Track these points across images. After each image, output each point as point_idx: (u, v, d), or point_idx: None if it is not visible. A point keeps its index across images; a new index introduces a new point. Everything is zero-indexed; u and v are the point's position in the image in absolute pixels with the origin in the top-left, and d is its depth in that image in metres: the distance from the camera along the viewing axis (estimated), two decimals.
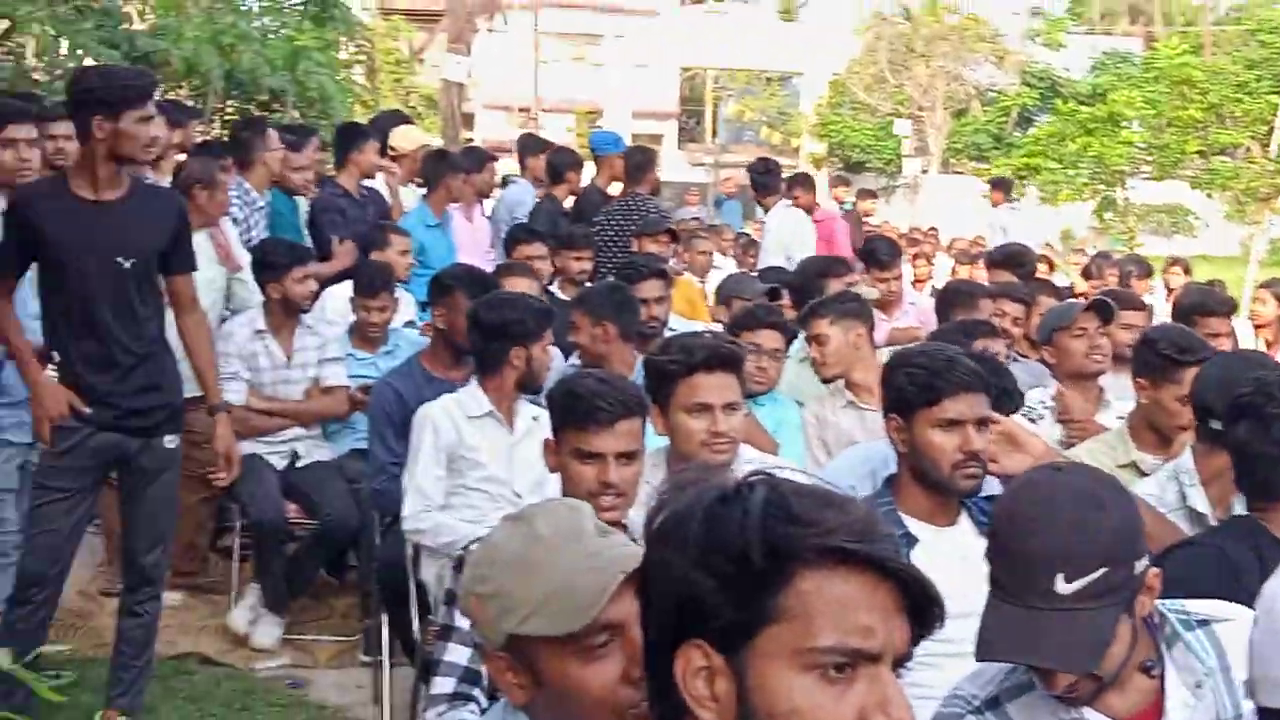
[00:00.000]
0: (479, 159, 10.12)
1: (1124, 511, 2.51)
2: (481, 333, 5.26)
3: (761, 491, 1.59)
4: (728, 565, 1.55)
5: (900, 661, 1.58)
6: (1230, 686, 2.65)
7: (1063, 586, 2.41)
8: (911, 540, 3.68)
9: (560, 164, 10.57)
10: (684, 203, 20.10)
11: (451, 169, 8.92)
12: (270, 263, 6.75)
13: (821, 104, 37.73)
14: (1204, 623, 2.71)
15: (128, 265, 5.01)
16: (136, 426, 5.11)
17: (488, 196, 10.38)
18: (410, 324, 7.47)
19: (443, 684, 3.43)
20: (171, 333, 5.32)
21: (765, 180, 10.71)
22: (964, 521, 3.80)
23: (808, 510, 1.57)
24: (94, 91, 4.99)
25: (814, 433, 5.69)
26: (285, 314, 6.74)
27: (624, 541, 2.27)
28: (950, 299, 6.82)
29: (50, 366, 5.05)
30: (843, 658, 1.53)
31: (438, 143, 18.12)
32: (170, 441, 5.21)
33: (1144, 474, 4.71)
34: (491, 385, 5.26)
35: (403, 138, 9.78)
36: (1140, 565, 2.49)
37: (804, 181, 12.31)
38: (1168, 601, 2.77)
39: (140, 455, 5.14)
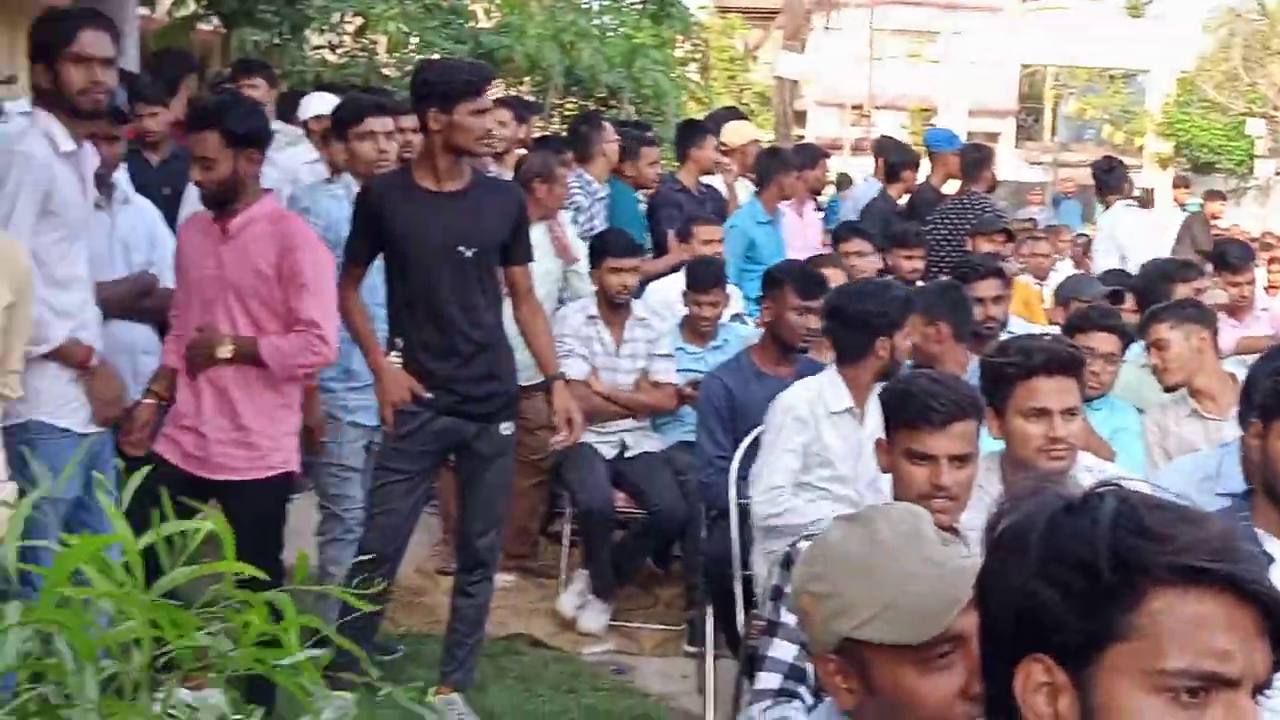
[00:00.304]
0: (812, 156, 10.11)
1: None
2: (844, 323, 5.22)
3: (1111, 503, 1.53)
4: (1074, 577, 1.50)
5: (1260, 689, 1.50)
6: None
7: None
8: (1268, 559, 3.50)
9: (896, 162, 10.46)
10: (1025, 202, 19.64)
11: (784, 166, 8.92)
12: (593, 249, 6.90)
13: (1168, 102, 36.41)
14: None
15: (469, 255, 5.14)
16: (475, 413, 5.25)
17: (819, 194, 10.35)
18: (738, 318, 7.49)
19: (768, 679, 3.42)
20: (509, 323, 5.45)
21: (1108, 179, 10.37)
22: None
23: (1161, 524, 1.50)
24: (430, 84, 5.15)
25: (1155, 441, 5.49)
26: (609, 305, 6.84)
27: (963, 552, 2.21)
28: None
29: (394, 354, 5.23)
30: (1196, 682, 1.46)
31: (767, 138, 18.18)
32: (506, 428, 5.33)
33: None
34: (851, 376, 5.21)
35: (733, 133, 9.84)
36: None
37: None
38: None
39: (478, 441, 5.28)
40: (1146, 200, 10.95)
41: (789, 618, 3.48)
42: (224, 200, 4.79)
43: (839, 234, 8.19)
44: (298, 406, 5.01)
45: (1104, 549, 1.49)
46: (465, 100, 5.06)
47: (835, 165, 16.03)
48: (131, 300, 5.16)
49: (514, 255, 5.36)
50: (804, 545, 3.60)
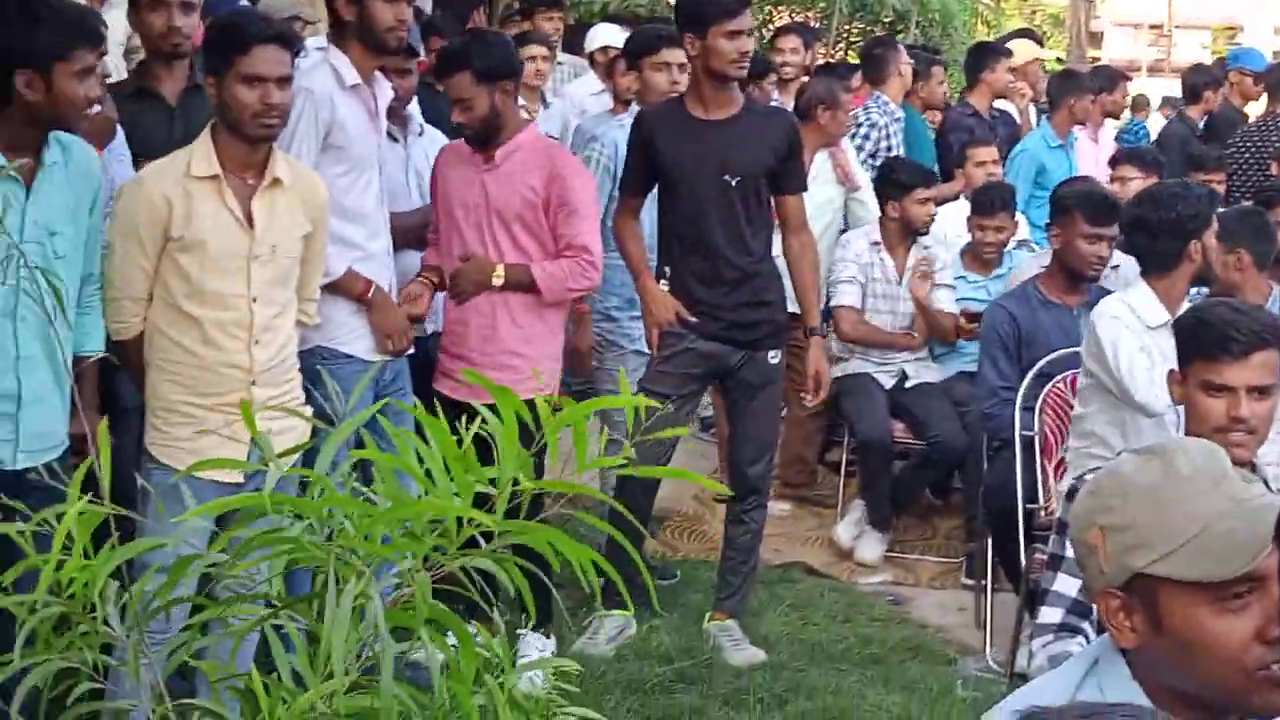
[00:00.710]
0: (1109, 78, 9.73)
1: None
2: (1150, 233, 5.02)
3: None
4: None
5: None
6: None
7: None
8: None
9: (1196, 83, 10.01)
10: None
11: (1076, 88, 8.65)
12: (896, 180, 6.78)
13: None
14: None
15: (734, 183, 5.13)
16: (740, 339, 5.25)
17: (1116, 118, 9.98)
18: (1024, 245, 7.30)
19: (1050, 614, 3.37)
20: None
21: None
22: None
23: None
24: (686, 9, 5.17)
25: None
26: (901, 234, 6.75)
27: (1264, 491, 2.10)
28: None
29: (662, 282, 5.25)
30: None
31: (1058, 60, 17.65)
32: (773, 356, 5.32)
33: None
34: (1164, 288, 4.93)
35: (1015, 50, 9.58)
36: None
37: None
38: None
39: (743, 368, 5.28)
40: None
41: (1073, 551, 3.39)
42: (488, 137, 4.88)
43: (1114, 160, 7.88)
44: (560, 331, 5.08)
45: None
46: (718, 22, 5.02)
47: (1133, 88, 15.48)
48: (421, 230, 5.28)
49: (785, 184, 5.31)
50: (1100, 476, 3.52)
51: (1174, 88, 18.11)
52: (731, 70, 5.14)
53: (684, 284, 5.23)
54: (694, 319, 5.18)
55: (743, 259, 5.21)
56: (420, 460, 1.91)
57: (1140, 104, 17.86)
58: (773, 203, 5.32)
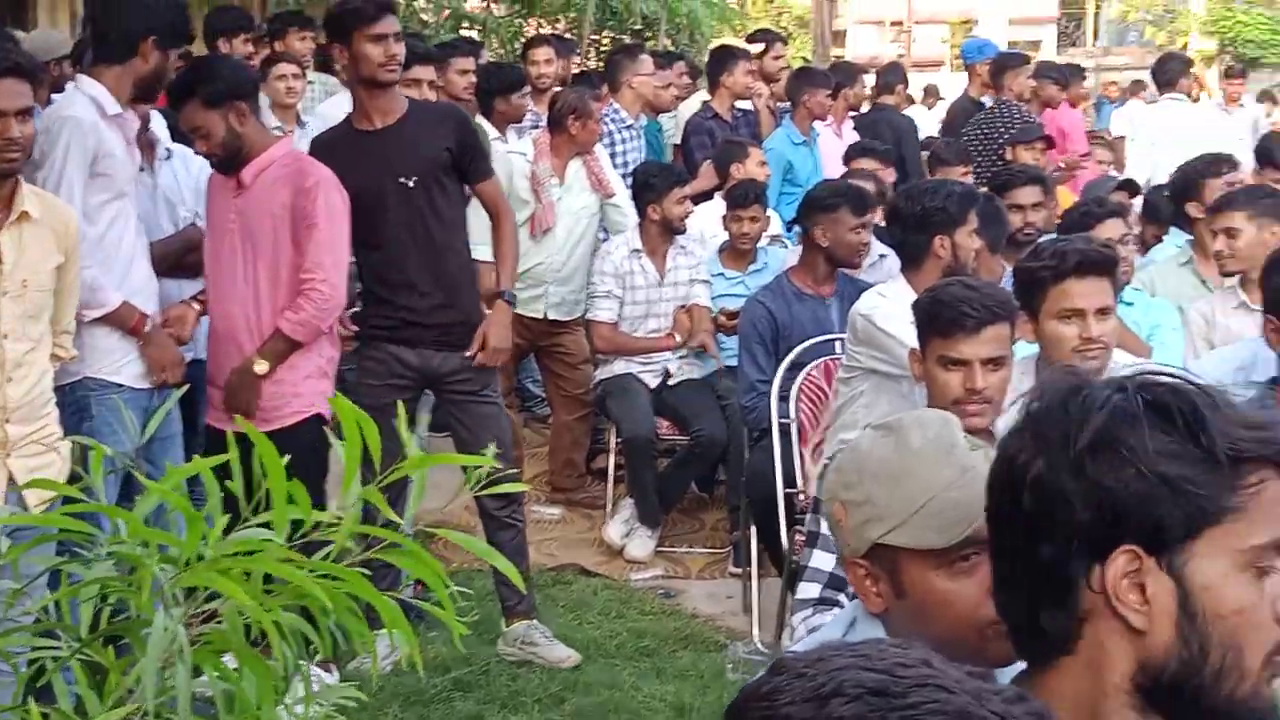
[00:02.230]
0: (848, 74, 10.01)
1: None
2: (903, 225, 5.15)
3: (1202, 394, 1.56)
4: (1182, 467, 1.51)
5: None
6: None
7: None
8: None
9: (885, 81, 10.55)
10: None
11: (811, 85, 8.85)
12: (650, 184, 6.88)
13: None
14: None
15: (412, 184, 5.12)
16: (438, 341, 5.23)
17: (858, 110, 10.26)
18: (776, 240, 7.48)
19: (808, 589, 3.46)
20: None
21: (1158, 74, 10.22)
22: None
23: (1251, 414, 1.57)
24: (330, 20, 5.22)
25: (1199, 333, 5.44)
26: (662, 235, 6.86)
27: (993, 455, 2.22)
28: None
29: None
30: (1273, 555, 1.53)
31: (803, 59, 18.00)
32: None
33: None
34: (916, 281, 5.02)
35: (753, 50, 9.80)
36: None
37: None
38: None
39: (458, 374, 5.25)
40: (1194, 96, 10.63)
41: (828, 529, 3.51)
42: (233, 160, 4.82)
43: (848, 154, 8.10)
44: (320, 346, 4.98)
45: (1218, 436, 1.51)
46: (360, 28, 5.02)
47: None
48: (177, 258, 5.18)
49: (471, 173, 5.33)
50: (842, 454, 3.64)
51: (918, 80, 18.73)
52: (382, 74, 5.10)
53: (379, 292, 5.23)
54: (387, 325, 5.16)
55: (435, 261, 5.20)
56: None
57: (931, 92, 18.42)
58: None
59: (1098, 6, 42.04)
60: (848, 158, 7.94)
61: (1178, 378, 1.59)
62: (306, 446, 4.76)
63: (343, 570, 1.83)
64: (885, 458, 2.22)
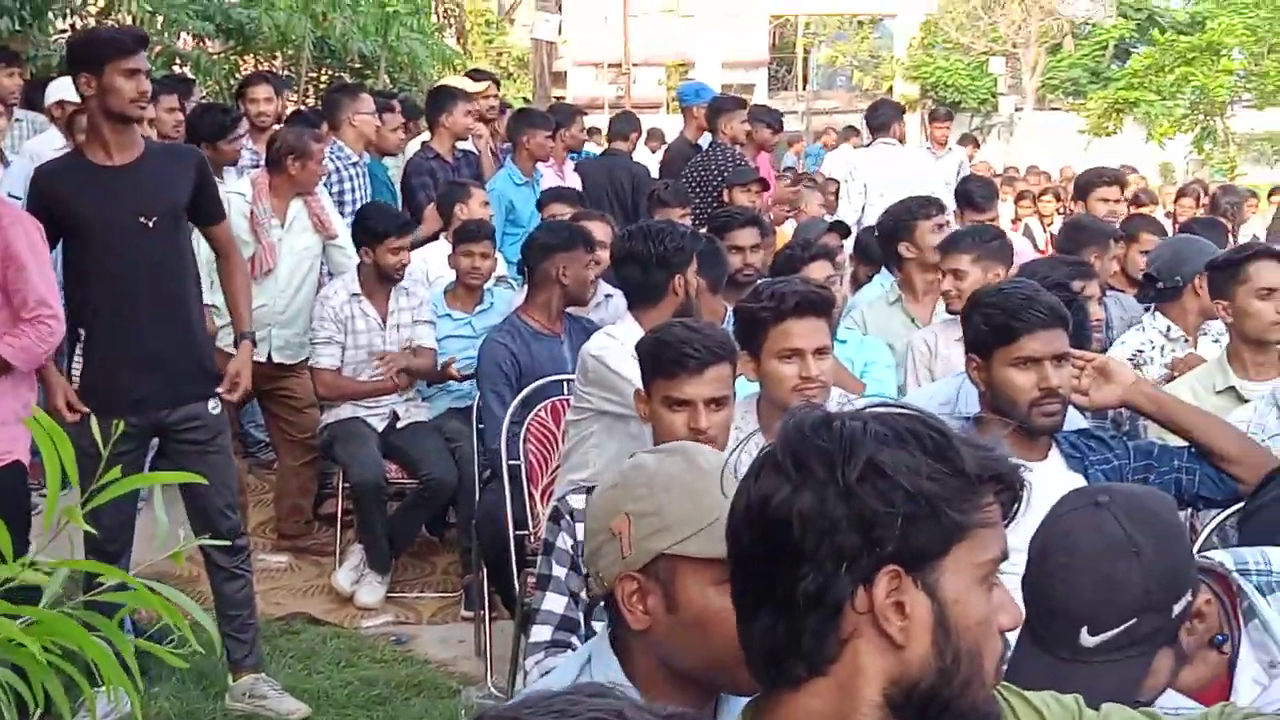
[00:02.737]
0: (566, 114, 10.13)
1: (1163, 552, 2.33)
2: (641, 265, 5.20)
3: (924, 418, 1.66)
4: (942, 487, 1.59)
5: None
6: None
7: (1088, 640, 2.29)
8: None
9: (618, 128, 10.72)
10: (786, 148, 19.94)
11: (531, 126, 8.93)
12: (370, 228, 6.80)
13: (913, 45, 37.32)
14: None
15: (151, 224, 5.02)
16: (173, 392, 5.11)
17: (578, 151, 10.39)
18: (503, 280, 7.50)
19: (540, 632, 3.48)
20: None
21: (873, 116, 10.61)
22: (1054, 457, 3.80)
23: (972, 439, 1.66)
24: (80, 49, 5.06)
25: (923, 362, 5.65)
26: (379, 279, 6.79)
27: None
28: (1078, 236, 6.72)
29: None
30: (996, 568, 1.66)
31: (523, 101, 18.09)
32: (214, 406, 5.20)
33: (1244, 400, 4.67)
34: (650, 319, 5.06)
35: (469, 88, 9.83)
36: (1180, 605, 2.34)
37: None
38: (1254, 555, 2.74)
39: (186, 426, 5.14)
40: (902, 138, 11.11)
41: (559, 570, 3.54)
42: None
43: (540, 201, 8.17)
44: (21, 387, 4.82)
45: (969, 458, 1.61)
46: (116, 60, 4.90)
47: (599, 122, 16.14)
48: None
49: (203, 215, 5.28)
50: (573, 499, 3.67)
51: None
52: (132, 110, 5.00)
53: (103, 337, 5.06)
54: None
55: (169, 304, 5.10)
56: None
57: (655, 135, 18.63)
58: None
59: (806, 51, 43.32)
60: (541, 204, 8.00)
61: (908, 408, 1.68)
62: (6, 491, 4.65)
63: (54, 617, 1.77)
64: (677, 473, 2.27)
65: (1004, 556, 1.66)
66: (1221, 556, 2.75)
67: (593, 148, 12.37)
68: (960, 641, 1.62)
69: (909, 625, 1.60)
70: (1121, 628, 2.27)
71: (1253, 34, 22.00)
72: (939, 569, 1.61)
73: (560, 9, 32.67)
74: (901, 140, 10.65)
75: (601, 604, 2.33)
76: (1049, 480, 3.60)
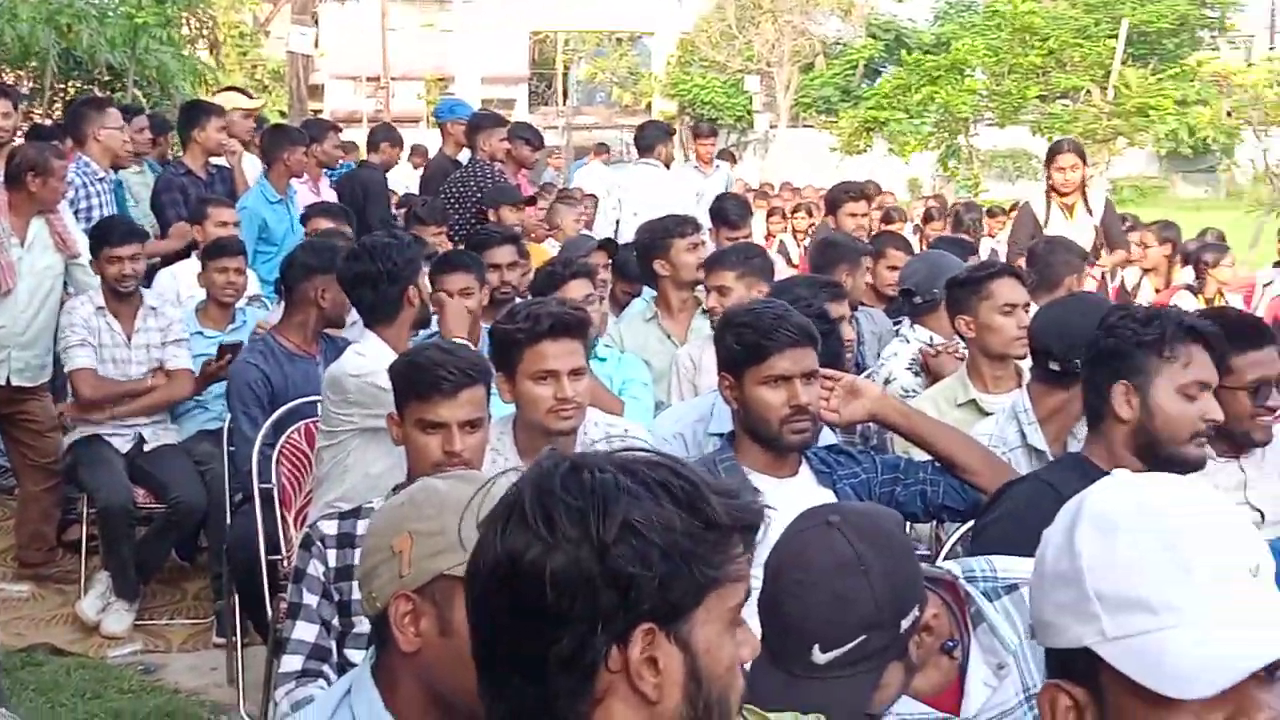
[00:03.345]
0: (320, 129, 9.99)
1: (891, 570, 2.39)
2: (372, 283, 5.12)
3: (673, 467, 1.65)
4: (693, 541, 1.59)
5: None
6: (1038, 653, 2.71)
7: (819, 656, 2.34)
8: (754, 493, 3.72)
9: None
10: (546, 165, 20.00)
11: (288, 143, 8.79)
12: (92, 239, 6.63)
13: (671, 62, 37.80)
14: (1012, 587, 2.76)
15: None
16: None
17: (333, 168, 10.26)
18: (256, 300, 7.37)
19: (291, 661, 3.44)
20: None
21: (640, 140, 10.70)
22: (805, 472, 3.88)
23: (719, 484, 1.66)
24: None
25: (686, 377, 5.72)
26: (114, 294, 6.58)
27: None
28: (829, 253, 6.88)
29: None
30: (741, 610, 1.65)
31: (280, 115, 17.79)
32: None
33: (985, 412, 4.83)
34: (391, 334, 5.08)
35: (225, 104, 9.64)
36: (908, 620, 2.40)
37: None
38: (980, 564, 2.83)
39: None
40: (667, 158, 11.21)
41: (310, 598, 3.49)
42: None
43: (305, 215, 8.07)
44: None
45: (720, 509, 1.61)
46: None
47: (357, 137, 15.93)
48: None
49: None
50: (324, 524, 3.62)
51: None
52: None
53: None
54: None
55: None
56: None
57: (418, 151, 18.45)
58: None
59: (566, 67, 43.54)
60: (305, 219, 7.90)
61: (655, 455, 1.68)
62: None
63: None
64: (464, 496, 2.25)
65: (749, 596, 1.67)
66: (950, 565, 2.85)
67: (351, 163, 12.24)
68: (711, 689, 1.62)
69: (662, 681, 1.59)
70: (851, 644, 2.31)
71: (994, 55, 22.79)
72: (691, 621, 1.60)
73: (316, 21, 32.19)
74: (667, 163, 10.76)
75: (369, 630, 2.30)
76: (799, 496, 3.68)
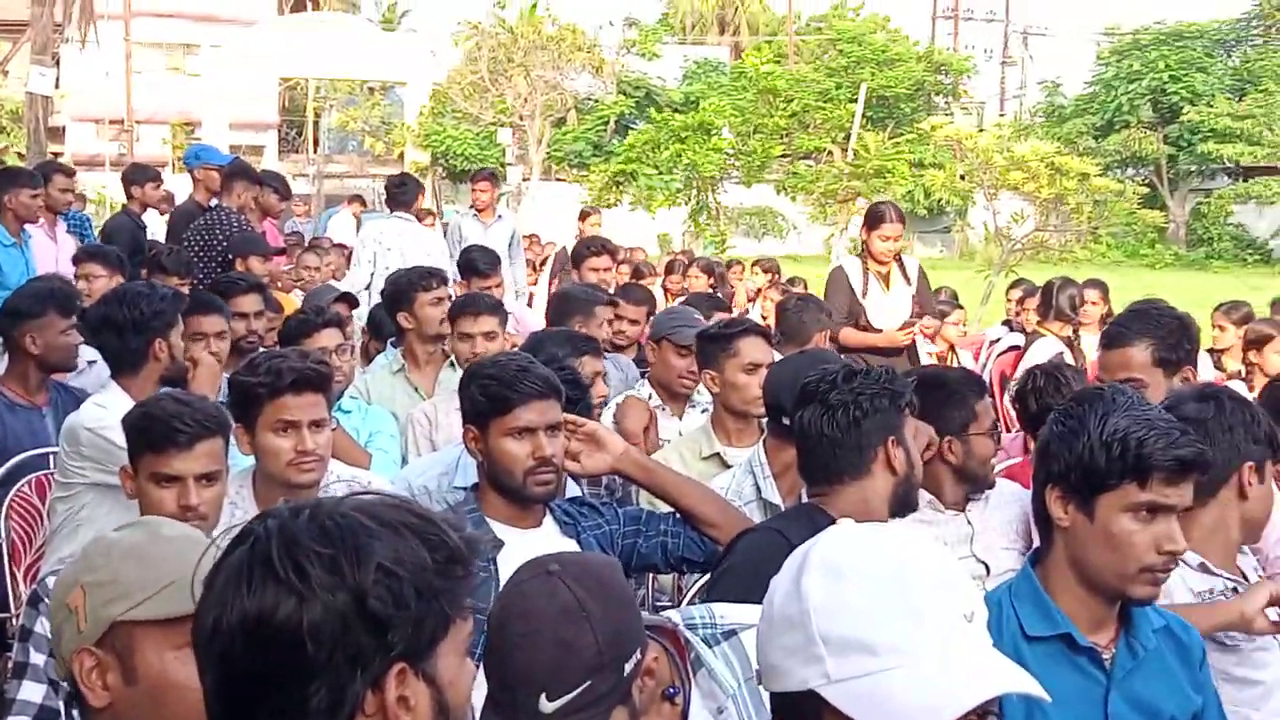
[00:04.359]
0: (45, 173, 9.64)
1: (612, 615, 2.42)
2: (117, 330, 5.01)
3: (407, 506, 1.69)
4: (436, 577, 1.61)
5: None
6: (756, 697, 2.78)
7: (546, 705, 2.35)
8: (498, 544, 3.75)
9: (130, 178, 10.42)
10: (292, 213, 19.76)
11: (16, 186, 8.49)
12: None
13: (424, 113, 37.72)
14: (730, 634, 2.85)
15: None
16: None
17: (63, 211, 9.92)
18: None
19: None
20: None
21: (399, 193, 10.65)
22: (549, 524, 3.91)
23: (452, 518, 1.73)
24: None
25: (423, 433, 5.71)
26: None
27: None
28: (564, 306, 7.00)
29: None
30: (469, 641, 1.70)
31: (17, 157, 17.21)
32: None
33: (729, 465, 4.92)
34: (133, 386, 4.97)
35: None
36: (631, 664, 2.43)
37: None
38: (700, 611, 2.91)
39: None
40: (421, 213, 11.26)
41: (38, 657, 3.39)
42: None
43: (76, 258, 7.90)
44: None
45: (459, 542, 1.65)
46: None
47: (96, 181, 15.49)
48: None
49: None
50: (52, 580, 3.52)
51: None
52: None
53: None
54: None
55: None
56: None
57: (166, 199, 17.92)
58: None
59: (317, 115, 43.08)
60: (76, 260, 7.72)
61: (387, 496, 1.70)
62: None
63: None
64: (137, 543, 2.24)
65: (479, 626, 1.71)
66: (670, 614, 2.91)
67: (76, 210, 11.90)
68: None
69: (415, 718, 1.61)
70: (578, 690, 2.34)
71: (740, 115, 23.36)
72: (435, 655, 1.62)
73: (57, 62, 31.28)
74: (419, 216, 10.75)
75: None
76: (543, 547, 3.69)
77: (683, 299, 9.75)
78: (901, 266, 8.47)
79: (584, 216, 13.68)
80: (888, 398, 3.56)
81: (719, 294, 10.99)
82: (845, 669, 1.71)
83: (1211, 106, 38.64)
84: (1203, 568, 3.44)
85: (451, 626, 1.63)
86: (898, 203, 9.60)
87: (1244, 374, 8.07)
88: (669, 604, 4.54)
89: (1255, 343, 7.88)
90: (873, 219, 8.47)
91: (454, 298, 6.74)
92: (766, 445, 4.53)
